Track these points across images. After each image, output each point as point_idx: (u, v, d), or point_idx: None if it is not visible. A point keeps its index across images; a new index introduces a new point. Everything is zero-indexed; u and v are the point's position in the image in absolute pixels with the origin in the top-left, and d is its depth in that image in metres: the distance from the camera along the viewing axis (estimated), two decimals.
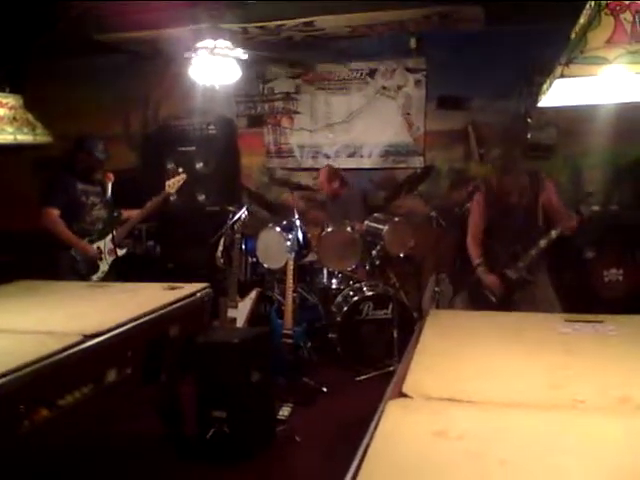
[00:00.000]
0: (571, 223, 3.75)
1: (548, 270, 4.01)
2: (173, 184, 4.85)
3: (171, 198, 6.02)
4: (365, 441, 1.51)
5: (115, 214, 4.63)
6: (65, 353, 2.27)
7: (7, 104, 3.61)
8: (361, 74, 6.26)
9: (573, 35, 1.78)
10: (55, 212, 4.35)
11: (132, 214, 4.77)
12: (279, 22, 5.33)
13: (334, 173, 5.70)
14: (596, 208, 3.75)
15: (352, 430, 1.70)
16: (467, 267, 4.17)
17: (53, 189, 4.47)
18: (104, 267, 4.52)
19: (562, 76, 1.72)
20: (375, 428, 1.56)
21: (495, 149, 5.41)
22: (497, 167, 4.18)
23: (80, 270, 4.40)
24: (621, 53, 1.64)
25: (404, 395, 1.77)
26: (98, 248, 4.51)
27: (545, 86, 2.02)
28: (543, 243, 3.78)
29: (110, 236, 4.55)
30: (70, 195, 4.43)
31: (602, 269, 5.30)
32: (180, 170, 5.02)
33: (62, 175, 4.51)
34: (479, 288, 3.97)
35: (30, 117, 3.80)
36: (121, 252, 4.60)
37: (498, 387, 1.88)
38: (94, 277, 4.45)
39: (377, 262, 5.21)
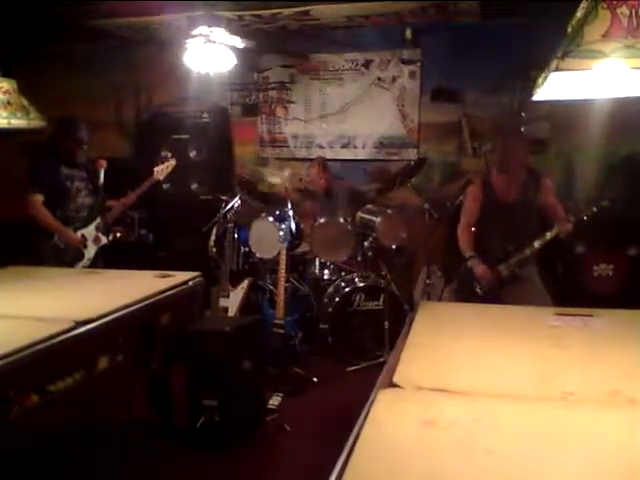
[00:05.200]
0: (567, 227, 3.77)
1: (538, 264, 4.03)
2: (162, 170, 4.77)
3: (164, 187, 6.01)
4: (355, 430, 1.51)
5: (101, 200, 4.52)
6: (56, 339, 2.27)
7: (1, 88, 3.58)
8: (356, 65, 6.25)
9: (569, 29, 1.78)
10: (39, 198, 4.25)
11: (118, 201, 4.69)
12: (275, 10, 5.31)
13: (325, 167, 5.67)
14: (594, 210, 3.76)
15: (342, 420, 1.71)
16: (458, 260, 4.18)
17: (36, 174, 4.35)
18: (89, 255, 4.44)
19: (557, 69, 1.72)
20: (365, 417, 1.57)
21: (489, 143, 5.43)
22: (495, 162, 4.15)
23: (64, 258, 4.31)
24: (617, 47, 1.64)
25: (395, 385, 1.78)
26: (82, 236, 4.42)
27: (540, 80, 2.03)
28: (537, 244, 3.81)
29: (95, 223, 4.49)
30: (54, 180, 4.33)
31: (592, 264, 5.33)
32: (169, 155, 4.91)
33: (45, 160, 4.39)
34: (468, 280, 3.98)
35: (24, 101, 3.77)
36: (106, 240, 4.53)
37: (488, 378, 1.89)
38: (79, 265, 4.37)
39: (369, 253, 5.22)
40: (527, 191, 3.93)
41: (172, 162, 4.82)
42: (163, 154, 5.42)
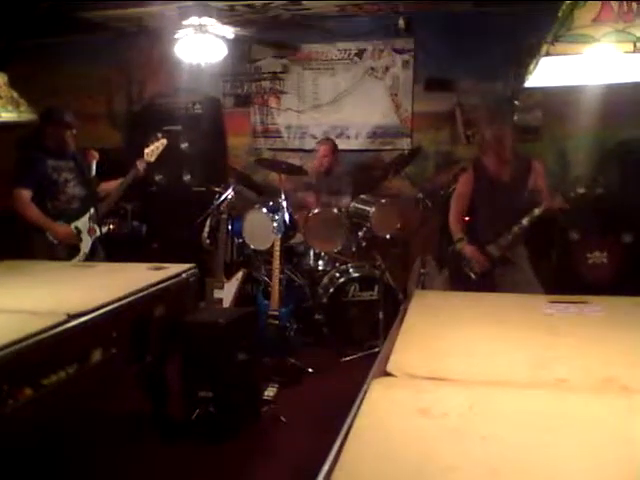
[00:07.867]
0: (554, 203, 3.77)
1: (531, 252, 4.04)
2: (152, 151, 4.54)
3: (156, 178, 5.98)
4: (349, 419, 1.51)
5: (93, 190, 4.39)
6: (50, 332, 2.26)
7: None
8: (349, 54, 6.21)
9: (560, 13, 1.77)
10: (25, 193, 4.11)
11: (110, 187, 4.51)
12: (266, 0, 5.28)
13: (334, 149, 5.66)
14: (582, 191, 3.76)
15: (337, 410, 1.71)
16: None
17: (22, 169, 4.22)
18: (85, 248, 4.30)
19: (548, 54, 1.71)
20: (359, 406, 1.57)
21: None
22: (485, 147, 4.14)
23: (58, 254, 4.15)
24: (608, 32, 1.63)
25: (388, 374, 1.78)
26: (76, 228, 4.28)
27: (531, 66, 2.02)
28: (526, 221, 3.81)
29: (89, 214, 4.35)
30: (40, 173, 4.18)
31: (586, 251, 5.33)
32: (159, 135, 4.64)
33: (30, 153, 4.27)
34: (459, 265, 3.98)
35: (15, 95, 3.73)
36: (102, 230, 4.40)
37: (481, 366, 1.89)
38: (75, 260, 4.22)
39: (363, 244, 5.22)
40: (518, 172, 3.94)
41: (163, 141, 4.60)
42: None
